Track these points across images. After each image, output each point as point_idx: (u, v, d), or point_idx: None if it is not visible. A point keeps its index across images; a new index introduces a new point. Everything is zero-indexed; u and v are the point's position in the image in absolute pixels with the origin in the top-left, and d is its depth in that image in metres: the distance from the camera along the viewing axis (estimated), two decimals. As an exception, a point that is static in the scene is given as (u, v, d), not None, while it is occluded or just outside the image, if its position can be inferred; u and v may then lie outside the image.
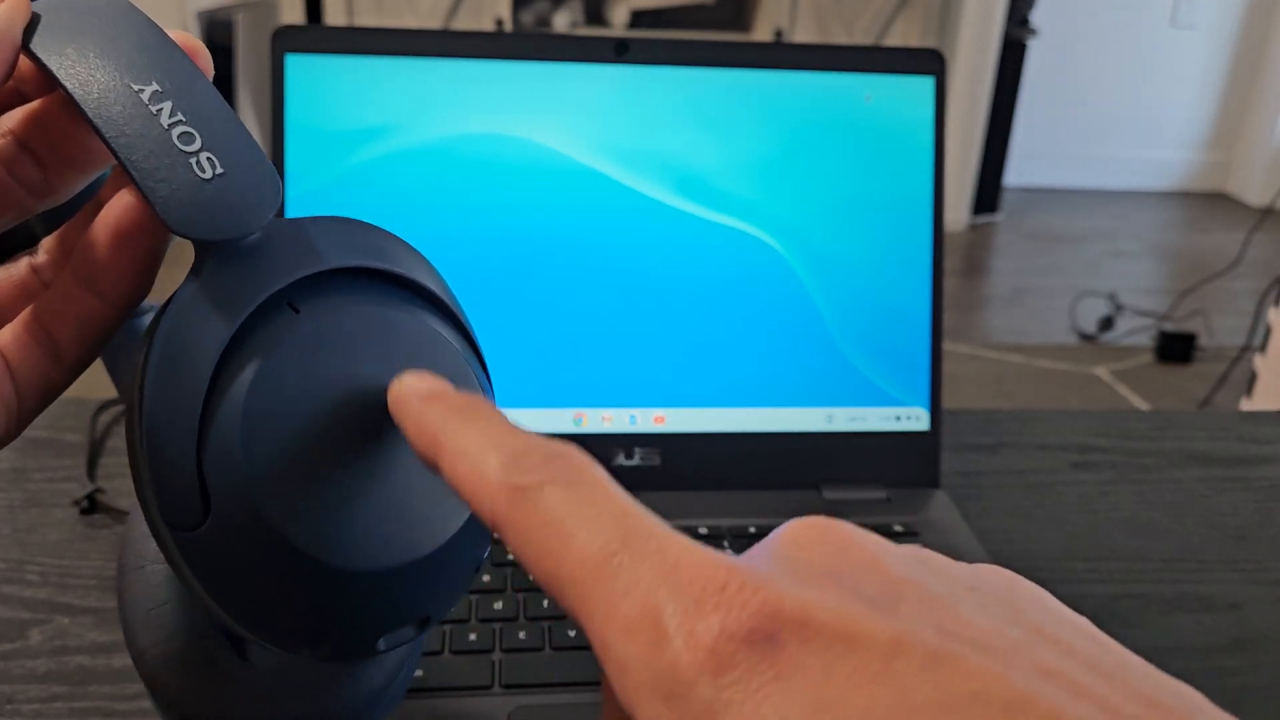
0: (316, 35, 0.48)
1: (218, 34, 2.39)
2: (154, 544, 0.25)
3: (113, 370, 0.26)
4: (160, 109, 0.20)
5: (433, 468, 0.18)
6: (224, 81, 2.36)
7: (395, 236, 0.23)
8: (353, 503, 0.20)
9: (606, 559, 0.16)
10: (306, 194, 0.47)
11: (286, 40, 0.47)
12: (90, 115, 0.20)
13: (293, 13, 2.58)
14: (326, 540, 0.20)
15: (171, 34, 0.22)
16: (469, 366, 0.23)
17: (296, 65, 0.47)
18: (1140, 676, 0.15)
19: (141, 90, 0.20)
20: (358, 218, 0.23)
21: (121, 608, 0.26)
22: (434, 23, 2.67)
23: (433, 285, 0.23)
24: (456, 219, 0.49)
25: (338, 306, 0.21)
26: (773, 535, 0.18)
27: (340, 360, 0.21)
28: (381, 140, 0.48)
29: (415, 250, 0.24)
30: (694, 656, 0.14)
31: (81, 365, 0.23)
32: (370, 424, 0.21)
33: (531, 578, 0.16)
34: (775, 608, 0.15)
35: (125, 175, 0.20)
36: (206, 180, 0.20)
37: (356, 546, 0.20)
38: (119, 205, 0.21)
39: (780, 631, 0.15)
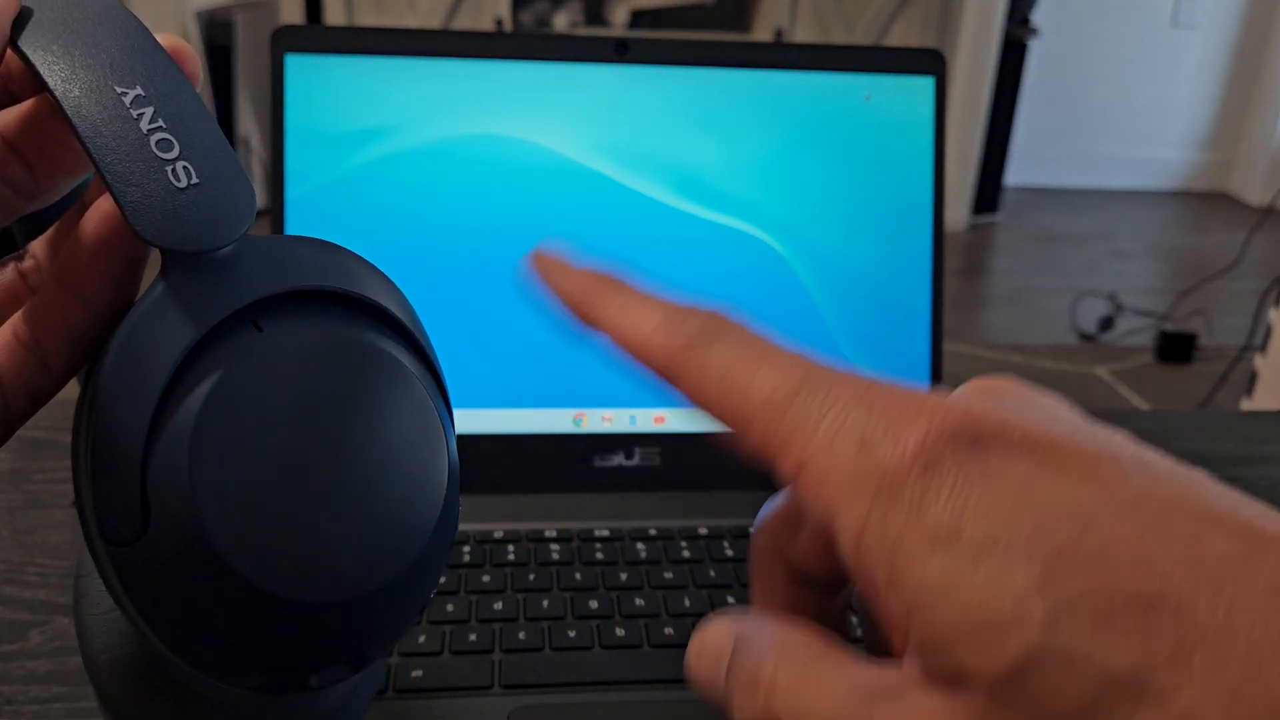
0: (316, 35, 0.47)
1: (217, 34, 2.39)
2: None
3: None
4: (141, 113, 0.20)
5: (590, 326, 0.19)
6: (223, 81, 2.36)
7: (365, 261, 0.23)
8: (298, 531, 0.20)
9: (795, 388, 0.16)
10: (306, 194, 0.47)
11: (286, 40, 0.47)
12: (69, 114, 0.19)
13: (292, 13, 2.58)
14: (266, 567, 0.19)
15: (160, 38, 0.22)
16: (431, 399, 0.22)
17: (296, 65, 0.47)
18: None
19: (125, 93, 0.20)
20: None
21: (76, 614, 0.26)
22: (434, 23, 2.67)
23: (399, 313, 0.23)
24: (456, 219, 0.49)
25: (302, 328, 0.20)
26: (959, 389, 0.18)
27: (299, 383, 0.20)
28: (381, 140, 0.48)
29: (384, 276, 0.23)
30: (902, 457, 0.15)
31: (70, 372, 0.23)
32: (324, 452, 0.20)
33: (712, 418, 0.17)
34: (978, 416, 0.15)
35: (100, 179, 0.19)
36: (180, 189, 0.20)
37: (297, 576, 0.19)
38: (100, 210, 0.21)
39: (984, 435, 0.15)
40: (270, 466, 0.19)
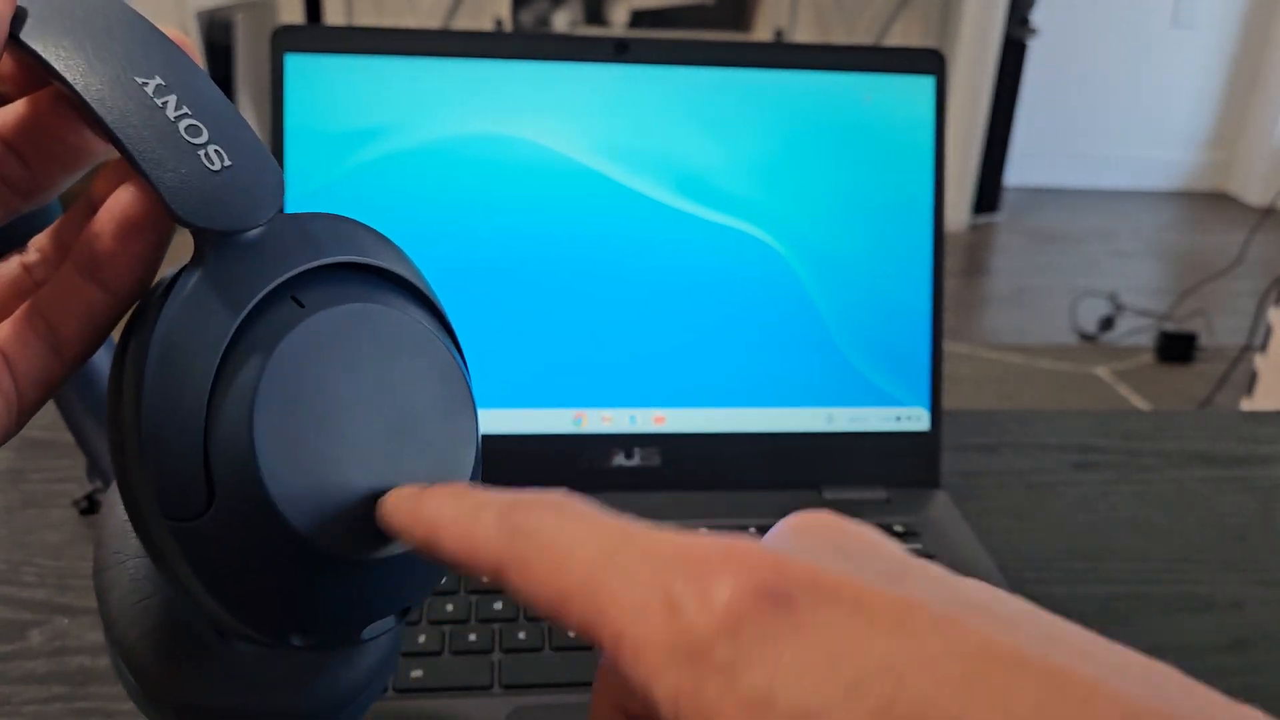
0: (316, 35, 0.47)
1: (217, 34, 2.39)
2: (133, 539, 0.25)
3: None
4: (165, 101, 0.20)
5: (433, 551, 0.19)
6: (223, 82, 2.36)
7: (382, 234, 0.24)
8: (350, 492, 0.21)
9: (609, 558, 0.16)
10: (306, 194, 0.47)
11: (286, 40, 0.47)
12: (95, 107, 0.20)
13: (292, 12, 2.58)
14: (325, 526, 0.20)
15: (162, 29, 0.22)
16: (457, 364, 0.23)
17: (296, 65, 0.47)
18: (1131, 652, 0.15)
19: (145, 83, 0.20)
20: (358, 218, 0.23)
21: (103, 604, 0.26)
22: (434, 22, 2.67)
23: (420, 285, 0.24)
24: (456, 219, 0.48)
25: (339, 300, 0.21)
26: (773, 529, 0.18)
27: (343, 354, 0.21)
28: (381, 140, 0.48)
29: (400, 249, 0.24)
30: (710, 618, 0.15)
31: (83, 358, 0.23)
32: (369, 418, 0.21)
33: (541, 611, 0.17)
34: (785, 569, 0.15)
35: (132, 167, 0.20)
36: (215, 171, 0.20)
37: (352, 534, 0.21)
38: (124, 197, 0.21)
39: (793, 590, 0.15)
40: (323, 433, 0.20)
